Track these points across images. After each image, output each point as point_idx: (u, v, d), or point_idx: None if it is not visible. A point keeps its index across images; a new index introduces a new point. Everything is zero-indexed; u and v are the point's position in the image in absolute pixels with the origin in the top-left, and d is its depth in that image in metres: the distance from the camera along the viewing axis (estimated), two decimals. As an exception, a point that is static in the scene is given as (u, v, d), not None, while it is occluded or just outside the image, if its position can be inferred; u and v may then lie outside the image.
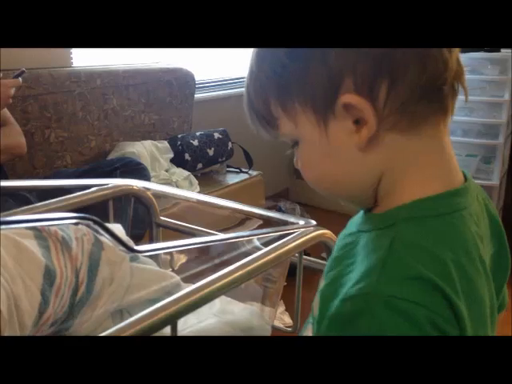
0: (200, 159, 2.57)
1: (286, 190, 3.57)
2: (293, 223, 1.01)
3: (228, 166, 2.73)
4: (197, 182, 2.49)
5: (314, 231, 0.96)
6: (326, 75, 0.50)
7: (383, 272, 0.47)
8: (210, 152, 2.59)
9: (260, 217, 1.09)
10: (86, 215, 0.74)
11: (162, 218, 1.20)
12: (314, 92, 0.51)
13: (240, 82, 3.15)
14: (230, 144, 2.67)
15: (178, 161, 2.54)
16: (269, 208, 2.57)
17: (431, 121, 0.51)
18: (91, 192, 1.07)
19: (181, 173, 2.50)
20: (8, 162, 2.00)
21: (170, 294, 0.98)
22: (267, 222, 1.27)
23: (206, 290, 0.88)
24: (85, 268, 0.94)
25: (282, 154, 3.43)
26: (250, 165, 2.73)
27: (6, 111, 1.91)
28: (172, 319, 0.85)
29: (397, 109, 0.49)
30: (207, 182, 2.57)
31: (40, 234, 0.93)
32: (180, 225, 1.18)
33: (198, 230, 1.16)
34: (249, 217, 1.91)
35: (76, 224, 0.89)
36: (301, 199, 3.34)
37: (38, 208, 1.03)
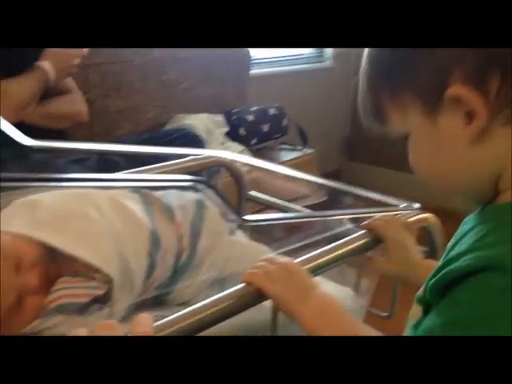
0: (254, 134, 2.56)
1: (337, 171, 3.52)
2: (392, 205, 0.99)
3: (282, 143, 2.71)
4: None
5: (416, 214, 0.93)
6: (434, 67, 0.50)
7: None
8: (265, 128, 2.58)
9: (358, 197, 1.07)
10: (202, 178, 0.74)
11: (251, 192, 1.19)
12: (423, 84, 0.51)
13: (296, 59, 3.12)
14: (285, 121, 2.65)
15: (232, 135, 2.53)
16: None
17: None
18: (187, 161, 1.07)
19: (235, 147, 2.49)
20: (70, 128, 2.03)
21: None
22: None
23: (309, 266, 0.87)
24: (187, 235, 0.94)
25: (336, 133, 3.43)
26: (305, 142, 2.71)
27: (69, 79, 1.93)
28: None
29: (510, 103, 0.48)
30: (260, 157, 2.55)
31: (145, 200, 0.94)
32: (269, 200, 1.18)
33: (287, 206, 1.15)
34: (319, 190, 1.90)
35: (191, 188, 0.89)
36: (351, 181, 3.30)
37: (136, 172, 1.03)
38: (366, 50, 0.57)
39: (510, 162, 0.51)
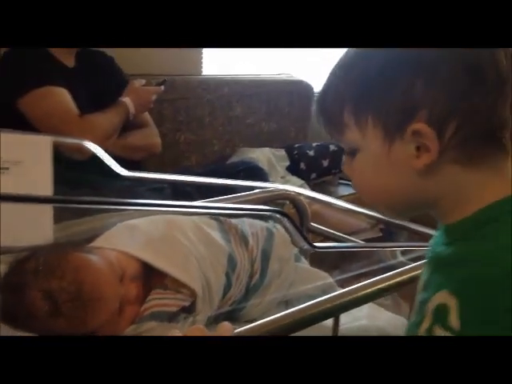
0: (314, 169, 2.67)
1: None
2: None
3: (340, 178, 2.81)
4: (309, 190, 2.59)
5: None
6: (406, 102, 0.55)
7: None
8: (325, 163, 2.69)
9: (414, 232, 1.17)
10: (279, 209, 0.87)
11: (312, 224, 1.30)
12: (391, 113, 0.56)
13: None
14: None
15: (292, 169, 2.66)
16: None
17: (490, 158, 0.56)
18: (257, 193, 1.20)
19: (295, 181, 2.61)
20: (144, 159, 2.19)
21: (325, 292, 1.09)
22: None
23: (369, 290, 0.96)
24: (258, 260, 1.07)
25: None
26: (362, 178, 2.79)
27: (146, 114, 2.10)
28: (335, 312, 0.95)
29: (458, 146, 0.55)
30: (319, 191, 2.64)
31: (222, 227, 1.08)
32: (329, 232, 1.29)
33: (346, 238, 1.26)
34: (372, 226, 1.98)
35: (269, 217, 1.02)
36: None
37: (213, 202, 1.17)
38: (347, 57, 0.59)
39: (448, 192, 0.57)
